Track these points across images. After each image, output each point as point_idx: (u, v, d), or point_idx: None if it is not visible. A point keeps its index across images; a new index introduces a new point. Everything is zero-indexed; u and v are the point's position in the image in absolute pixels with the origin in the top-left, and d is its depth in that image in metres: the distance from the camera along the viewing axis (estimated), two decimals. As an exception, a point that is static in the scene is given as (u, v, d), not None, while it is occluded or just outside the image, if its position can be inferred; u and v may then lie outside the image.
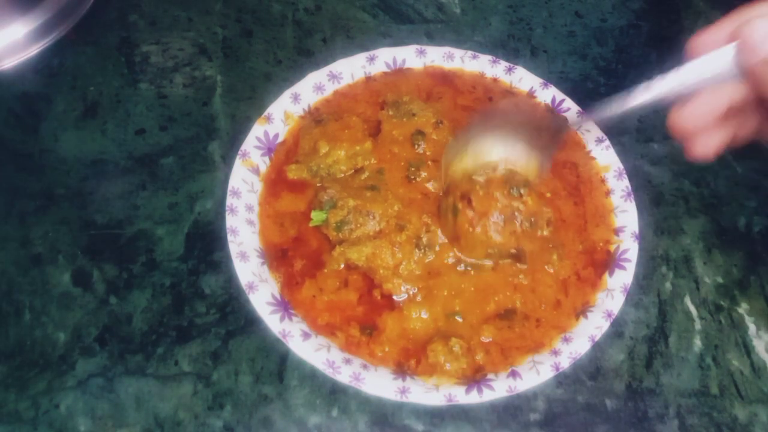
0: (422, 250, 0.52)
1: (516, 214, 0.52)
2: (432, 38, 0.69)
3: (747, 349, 0.54)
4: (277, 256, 0.53)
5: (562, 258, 0.53)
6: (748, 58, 0.42)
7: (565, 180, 0.58)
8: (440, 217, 0.53)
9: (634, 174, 0.60)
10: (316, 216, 0.53)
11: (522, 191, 0.52)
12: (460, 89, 0.62)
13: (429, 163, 0.56)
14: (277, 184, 0.56)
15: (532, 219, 0.52)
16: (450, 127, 0.58)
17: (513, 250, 0.52)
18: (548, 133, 0.54)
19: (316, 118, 0.59)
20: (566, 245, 0.54)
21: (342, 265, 0.52)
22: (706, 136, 0.45)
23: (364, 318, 0.50)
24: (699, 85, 0.44)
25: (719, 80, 0.43)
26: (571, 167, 0.59)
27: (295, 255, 0.53)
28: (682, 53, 0.47)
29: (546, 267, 0.53)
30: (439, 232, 0.53)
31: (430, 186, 0.55)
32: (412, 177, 0.55)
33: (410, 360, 0.49)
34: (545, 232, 0.53)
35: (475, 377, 0.48)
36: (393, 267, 0.51)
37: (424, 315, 0.50)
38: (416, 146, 0.56)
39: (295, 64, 0.66)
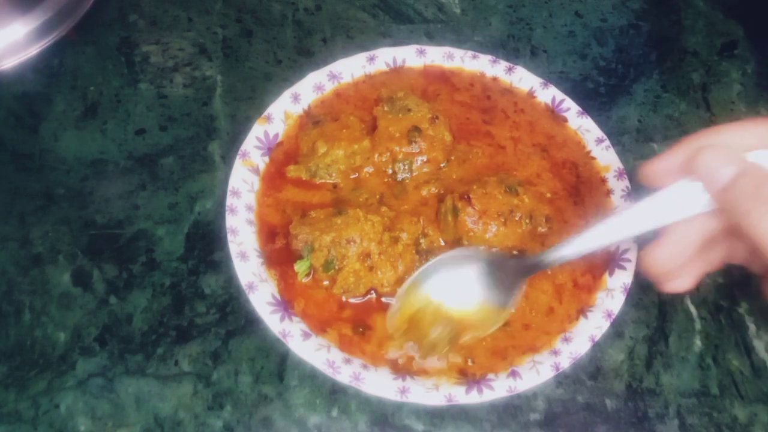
0: (423, 256, 0.52)
1: (515, 210, 0.52)
2: (432, 38, 0.69)
3: (747, 349, 0.54)
4: (270, 233, 0.53)
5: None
6: (710, 188, 0.41)
7: (565, 180, 0.58)
8: (439, 222, 0.53)
9: (634, 174, 0.60)
10: (300, 267, 0.51)
11: (518, 189, 0.53)
12: (456, 87, 0.62)
13: (418, 160, 0.56)
14: (277, 178, 0.56)
15: (531, 216, 0.53)
16: (446, 122, 0.58)
17: (515, 252, 0.52)
18: (512, 274, 0.49)
19: (314, 119, 0.59)
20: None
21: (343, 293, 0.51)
22: (682, 273, 0.44)
23: (355, 317, 0.51)
24: (667, 221, 0.43)
25: (689, 213, 0.43)
26: (571, 167, 0.59)
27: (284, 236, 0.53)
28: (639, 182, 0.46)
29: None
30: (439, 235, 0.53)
31: (425, 192, 0.55)
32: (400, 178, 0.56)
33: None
34: (544, 229, 0.54)
35: (473, 377, 0.48)
36: (396, 280, 0.51)
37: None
38: (413, 142, 0.56)
39: (295, 64, 0.66)
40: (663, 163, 0.45)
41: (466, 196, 0.52)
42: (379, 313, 0.51)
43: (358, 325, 0.50)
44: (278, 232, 0.53)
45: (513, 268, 0.49)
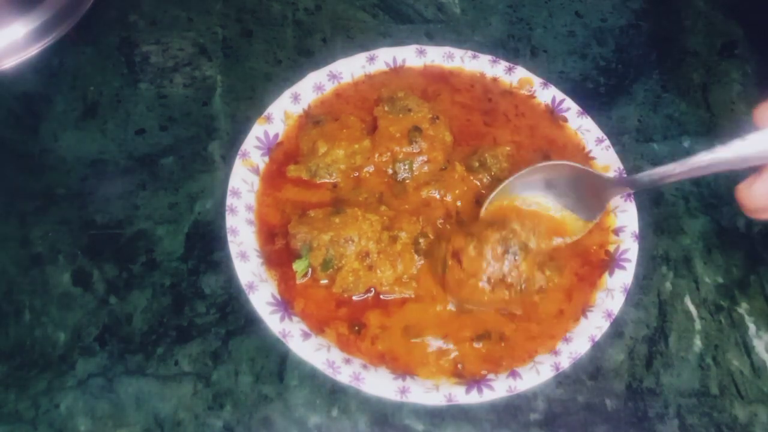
0: (421, 256, 0.52)
1: (507, 278, 0.49)
2: (432, 38, 0.69)
3: (747, 349, 0.54)
4: (270, 233, 0.53)
5: (552, 289, 0.52)
6: None
7: None
8: (431, 260, 0.52)
9: (633, 174, 0.60)
10: (299, 266, 0.51)
11: (517, 256, 0.50)
12: (457, 87, 0.62)
13: (419, 160, 0.56)
14: (277, 177, 0.56)
15: (523, 285, 0.50)
16: (446, 122, 0.58)
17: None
18: (594, 196, 0.53)
19: (314, 119, 0.59)
20: (560, 258, 0.54)
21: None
22: None
23: (351, 315, 0.51)
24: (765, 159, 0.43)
25: None
26: None
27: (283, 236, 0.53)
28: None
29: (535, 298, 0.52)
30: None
31: (424, 194, 0.55)
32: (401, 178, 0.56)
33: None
34: (536, 298, 0.51)
35: (473, 378, 0.48)
36: (395, 279, 0.51)
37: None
38: (413, 142, 0.56)
39: (295, 64, 0.66)
40: None
41: (458, 256, 0.49)
42: (373, 310, 0.51)
43: (353, 324, 0.50)
44: (278, 233, 0.53)
45: (598, 184, 0.53)
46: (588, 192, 0.53)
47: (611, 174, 0.57)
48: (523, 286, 0.50)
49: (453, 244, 0.50)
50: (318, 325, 0.50)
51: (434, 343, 0.50)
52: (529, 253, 0.50)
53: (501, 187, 0.54)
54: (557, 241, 0.53)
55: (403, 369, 0.48)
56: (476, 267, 0.49)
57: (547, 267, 0.52)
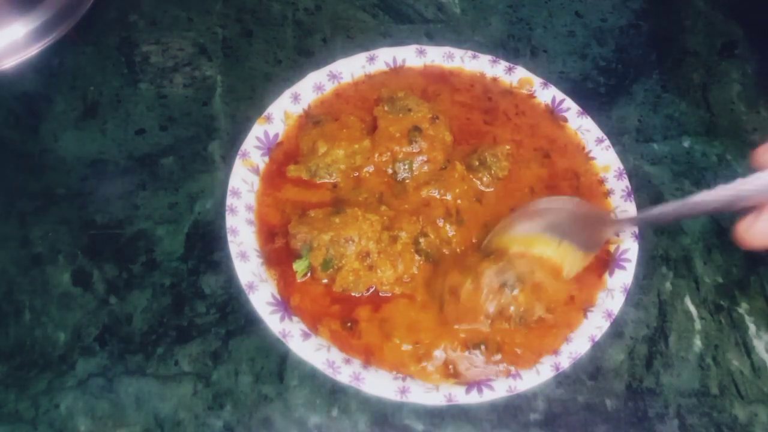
0: (422, 256, 0.52)
1: (505, 311, 0.49)
2: (432, 38, 0.69)
3: (747, 349, 0.54)
4: (270, 233, 0.53)
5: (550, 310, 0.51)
6: None
7: (564, 193, 0.57)
8: (431, 292, 0.52)
9: (634, 174, 0.60)
10: (299, 266, 0.51)
11: (515, 289, 0.49)
12: (457, 87, 0.62)
13: (418, 160, 0.56)
14: (277, 177, 0.56)
15: (521, 318, 0.50)
16: (446, 122, 0.58)
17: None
18: (595, 233, 0.53)
19: (314, 119, 0.59)
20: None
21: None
22: None
23: (343, 312, 0.51)
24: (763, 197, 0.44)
25: None
26: (572, 178, 0.58)
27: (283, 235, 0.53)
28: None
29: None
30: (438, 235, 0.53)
31: (425, 193, 0.55)
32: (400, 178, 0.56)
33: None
34: (533, 324, 0.51)
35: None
36: (395, 279, 0.51)
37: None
38: (413, 142, 0.56)
39: (295, 64, 0.66)
40: None
41: (455, 292, 0.49)
42: (364, 306, 0.51)
43: (345, 320, 0.50)
44: (277, 232, 0.53)
45: (600, 221, 0.53)
46: (588, 227, 0.52)
47: (615, 208, 0.56)
48: (522, 318, 0.50)
49: (449, 280, 0.50)
50: (312, 321, 0.50)
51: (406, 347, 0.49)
52: (527, 284, 0.50)
53: (503, 222, 0.53)
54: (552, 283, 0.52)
55: (377, 363, 0.49)
56: (474, 302, 0.49)
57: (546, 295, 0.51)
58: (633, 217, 0.53)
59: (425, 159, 0.56)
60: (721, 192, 0.44)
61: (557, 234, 0.52)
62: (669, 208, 0.47)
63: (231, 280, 0.53)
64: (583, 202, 0.53)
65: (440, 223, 0.54)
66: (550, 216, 0.52)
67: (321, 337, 0.49)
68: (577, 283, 0.52)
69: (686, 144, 0.64)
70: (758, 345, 0.54)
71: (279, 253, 0.52)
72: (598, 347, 0.51)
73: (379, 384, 0.47)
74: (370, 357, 0.49)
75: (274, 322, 0.48)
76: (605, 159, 0.58)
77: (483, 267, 0.49)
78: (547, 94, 0.62)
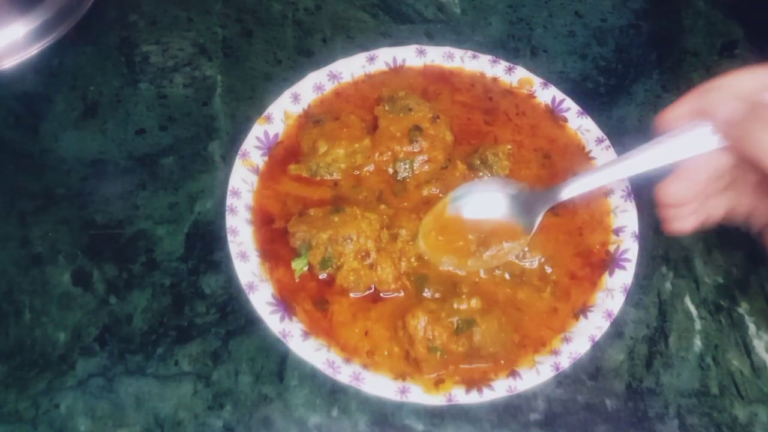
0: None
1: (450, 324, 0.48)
2: (432, 38, 0.69)
3: (747, 349, 0.54)
4: (267, 218, 0.53)
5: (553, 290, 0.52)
6: (718, 123, 0.45)
7: None
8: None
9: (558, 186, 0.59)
10: (298, 264, 0.51)
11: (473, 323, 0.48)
12: (457, 87, 0.62)
13: (419, 159, 0.56)
14: (277, 173, 0.56)
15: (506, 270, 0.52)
16: (447, 121, 0.58)
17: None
18: (532, 209, 0.53)
19: (314, 118, 0.59)
20: (558, 257, 0.54)
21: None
22: (687, 214, 0.48)
23: (316, 293, 0.51)
24: (678, 158, 0.47)
25: (699, 151, 0.46)
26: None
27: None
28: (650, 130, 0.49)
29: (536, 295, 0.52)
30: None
31: (425, 192, 0.55)
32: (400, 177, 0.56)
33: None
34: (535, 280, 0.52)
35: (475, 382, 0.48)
36: (396, 277, 0.51)
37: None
38: (414, 142, 0.56)
39: (295, 64, 0.66)
40: (676, 111, 0.48)
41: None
42: (339, 295, 0.51)
43: (317, 301, 0.50)
44: (275, 218, 0.53)
45: (534, 198, 0.53)
46: (524, 205, 0.53)
47: (615, 208, 0.56)
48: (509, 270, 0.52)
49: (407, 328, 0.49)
50: (287, 296, 0.50)
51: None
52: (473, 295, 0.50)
53: (434, 209, 0.53)
54: (508, 246, 0.52)
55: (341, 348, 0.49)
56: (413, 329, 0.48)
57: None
58: (554, 191, 0.53)
59: (426, 158, 0.56)
60: (634, 157, 0.49)
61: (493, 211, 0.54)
62: (586, 178, 0.51)
63: (231, 280, 0.53)
64: (508, 180, 0.55)
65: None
66: (483, 194, 0.54)
67: (296, 318, 0.49)
68: (565, 294, 0.52)
69: (686, 144, 0.64)
70: (758, 345, 0.54)
71: (274, 233, 0.53)
72: (598, 347, 0.51)
73: (379, 384, 0.47)
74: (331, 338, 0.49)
75: (274, 322, 0.48)
76: (605, 159, 0.58)
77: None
78: (547, 94, 0.62)
